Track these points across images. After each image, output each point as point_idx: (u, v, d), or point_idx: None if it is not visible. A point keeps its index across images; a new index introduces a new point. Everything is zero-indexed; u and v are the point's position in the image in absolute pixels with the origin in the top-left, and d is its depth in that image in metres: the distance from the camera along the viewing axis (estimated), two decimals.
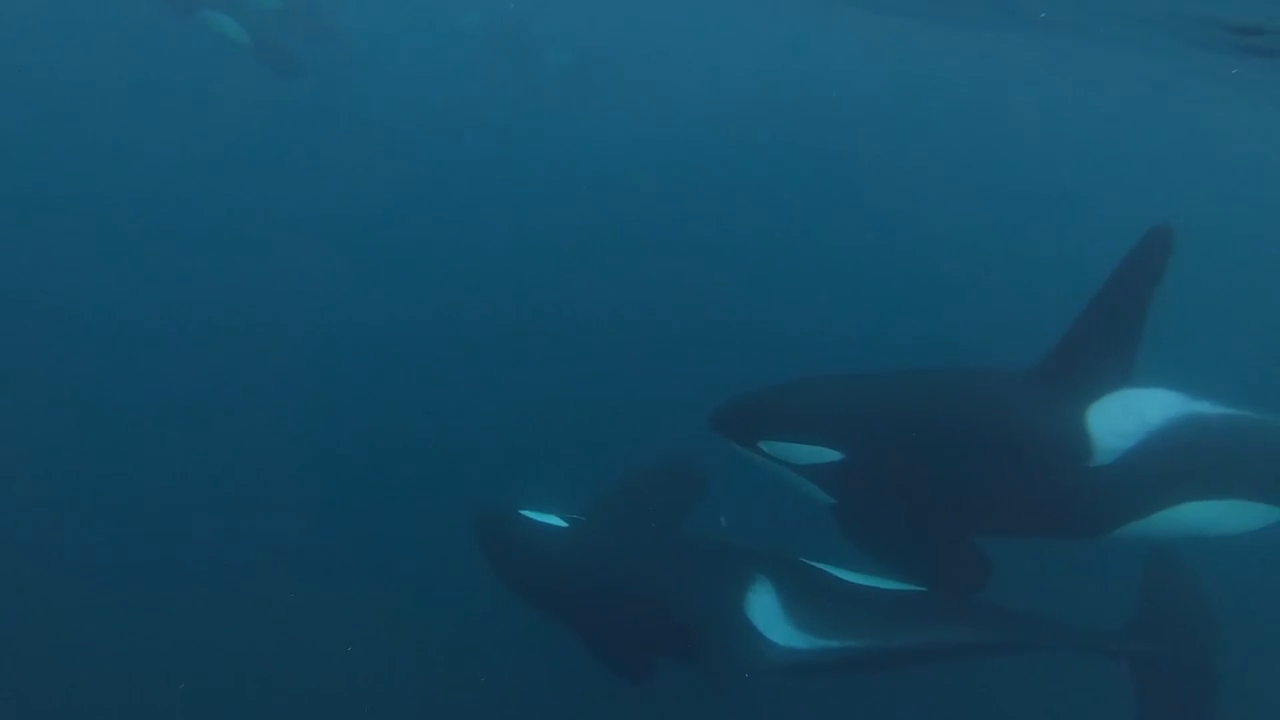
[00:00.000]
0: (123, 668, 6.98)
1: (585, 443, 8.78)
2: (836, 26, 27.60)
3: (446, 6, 24.74)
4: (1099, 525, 5.40)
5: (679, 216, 15.02)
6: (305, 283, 12.11)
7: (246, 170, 15.13)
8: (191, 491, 8.54)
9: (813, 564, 5.69)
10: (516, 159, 18.36)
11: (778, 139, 20.70)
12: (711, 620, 5.37)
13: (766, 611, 5.34)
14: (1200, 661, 5.58)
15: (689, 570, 5.67)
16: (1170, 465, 5.17)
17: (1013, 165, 21.95)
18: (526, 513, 5.94)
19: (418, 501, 8.19)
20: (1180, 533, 5.45)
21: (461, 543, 5.96)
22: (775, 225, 15.69)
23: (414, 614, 7.48)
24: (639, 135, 19.77)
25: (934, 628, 5.50)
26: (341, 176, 15.57)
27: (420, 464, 8.82)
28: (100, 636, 7.20)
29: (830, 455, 5.40)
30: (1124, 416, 5.16)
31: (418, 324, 11.39)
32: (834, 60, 31.71)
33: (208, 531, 8.05)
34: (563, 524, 5.91)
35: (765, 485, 5.89)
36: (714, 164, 18.80)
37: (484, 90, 22.08)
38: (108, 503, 8.40)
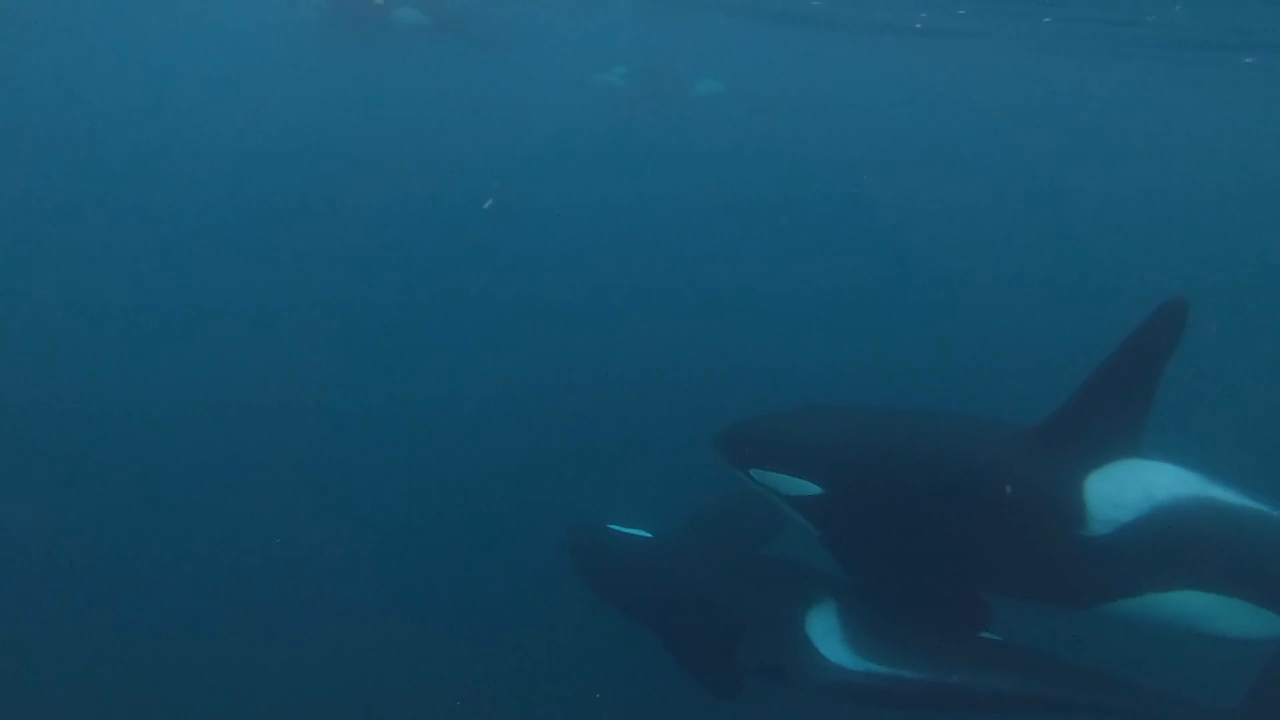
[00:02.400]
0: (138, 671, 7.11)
1: (667, 462, 8.55)
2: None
3: (590, 65, 25.63)
4: (1086, 598, 4.99)
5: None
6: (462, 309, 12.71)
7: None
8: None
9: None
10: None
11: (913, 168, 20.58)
12: (773, 632, 5.49)
13: (825, 630, 5.41)
14: None
15: (759, 584, 5.84)
16: (1170, 547, 4.73)
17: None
18: (614, 527, 6.48)
19: (508, 517, 8.40)
20: (1177, 622, 4.92)
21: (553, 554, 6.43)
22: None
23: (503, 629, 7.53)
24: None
25: (995, 673, 5.18)
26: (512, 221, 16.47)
27: (510, 481, 8.93)
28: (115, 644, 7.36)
29: (812, 489, 5.28)
30: (1127, 487, 4.77)
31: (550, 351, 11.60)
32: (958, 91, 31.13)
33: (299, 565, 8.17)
34: (647, 536, 6.41)
35: None
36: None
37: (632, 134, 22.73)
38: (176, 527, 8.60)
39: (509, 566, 7.91)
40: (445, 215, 16.63)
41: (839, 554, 5.43)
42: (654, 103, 24.46)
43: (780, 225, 17.07)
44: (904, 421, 5.44)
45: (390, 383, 10.90)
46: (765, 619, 5.56)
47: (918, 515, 5.10)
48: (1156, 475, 4.80)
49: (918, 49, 26.21)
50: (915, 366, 10.48)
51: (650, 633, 5.95)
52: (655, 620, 6.00)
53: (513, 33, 24.88)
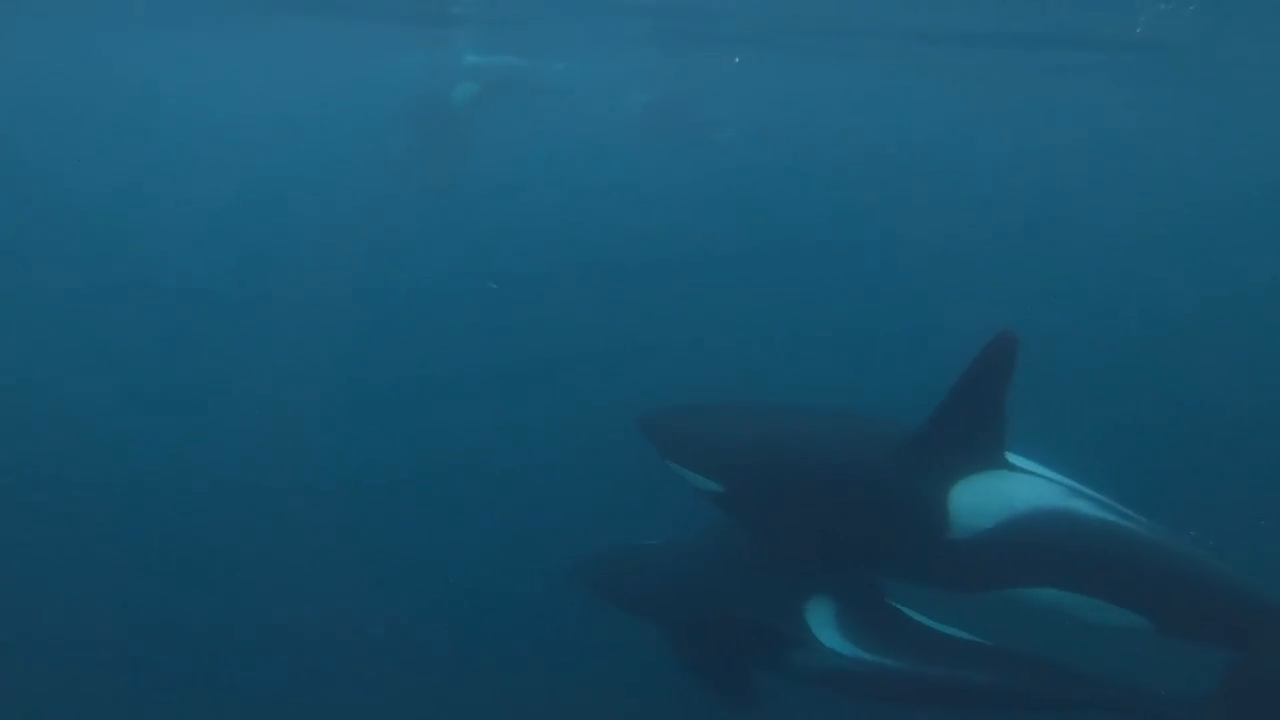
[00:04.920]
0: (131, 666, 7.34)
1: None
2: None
3: (607, 90, 26.11)
4: (958, 589, 5.51)
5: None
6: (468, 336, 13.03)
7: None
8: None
9: (883, 597, 5.91)
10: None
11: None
12: (774, 622, 5.77)
13: (824, 619, 5.71)
14: None
15: (762, 577, 6.04)
16: (1028, 552, 5.22)
17: None
18: (630, 541, 6.86)
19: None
20: (1044, 612, 5.41)
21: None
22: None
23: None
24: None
25: (984, 668, 5.51)
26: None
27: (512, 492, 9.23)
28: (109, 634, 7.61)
29: (715, 487, 5.72)
30: (989, 497, 5.23)
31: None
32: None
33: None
34: (653, 543, 6.75)
35: None
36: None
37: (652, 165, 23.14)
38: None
39: (509, 577, 8.13)
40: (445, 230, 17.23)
41: (750, 538, 5.94)
42: (671, 141, 24.85)
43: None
44: (799, 425, 5.91)
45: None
46: (767, 609, 5.83)
47: (806, 517, 5.59)
48: (1017, 486, 5.26)
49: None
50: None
51: (661, 634, 6.18)
52: (664, 618, 6.27)
53: None
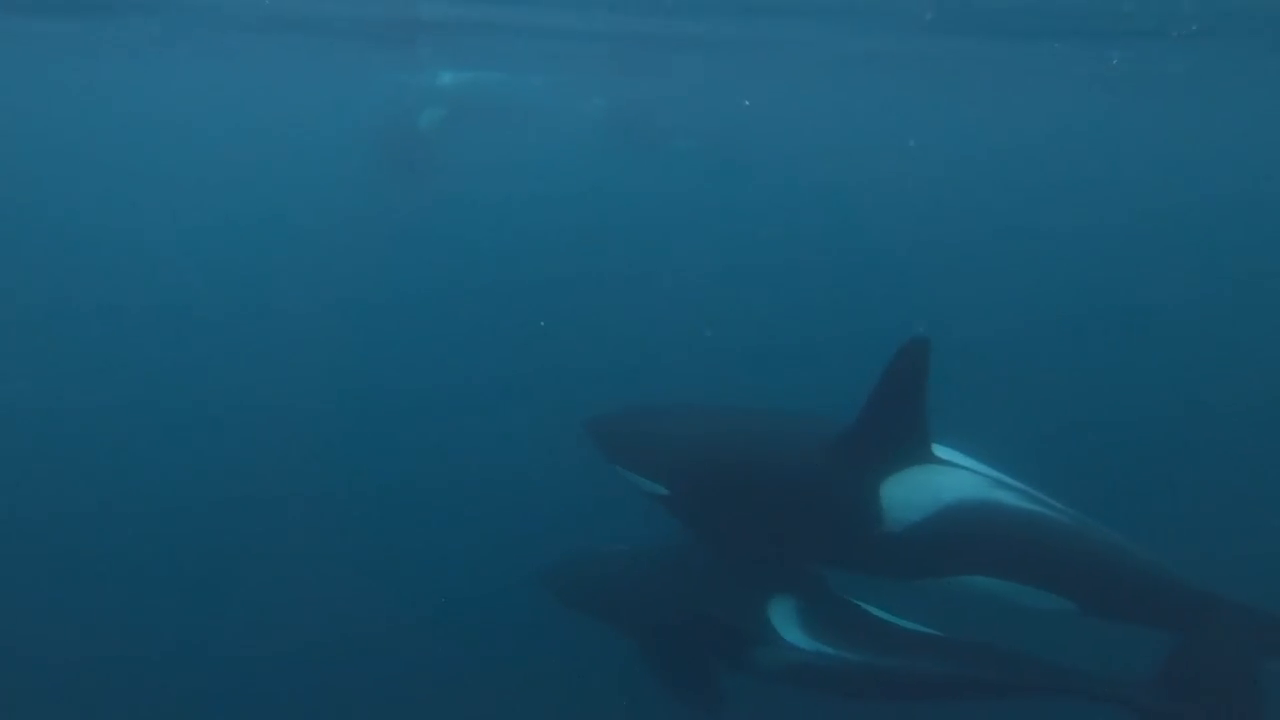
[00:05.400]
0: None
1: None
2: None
3: (566, 92, 26.20)
4: (896, 578, 5.79)
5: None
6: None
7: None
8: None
9: (844, 595, 6.12)
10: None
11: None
12: (739, 620, 5.99)
13: (786, 616, 5.92)
14: None
15: (727, 577, 6.25)
16: (957, 543, 5.49)
17: None
18: (596, 546, 6.99)
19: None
20: (978, 598, 5.67)
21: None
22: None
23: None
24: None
25: (943, 658, 5.74)
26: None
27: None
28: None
29: (660, 489, 6.02)
30: (918, 492, 5.48)
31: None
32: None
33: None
34: (621, 547, 6.89)
35: None
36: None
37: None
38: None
39: (481, 584, 8.28)
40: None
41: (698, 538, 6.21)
42: (632, 146, 24.95)
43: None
44: (738, 426, 6.17)
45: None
46: (732, 609, 6.06)
47: (746, 516, 5.84)
48: (943, 479, 5.52)
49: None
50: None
51: (628, 638, 6.41)
52: (631, 622, 6.47)
53: None
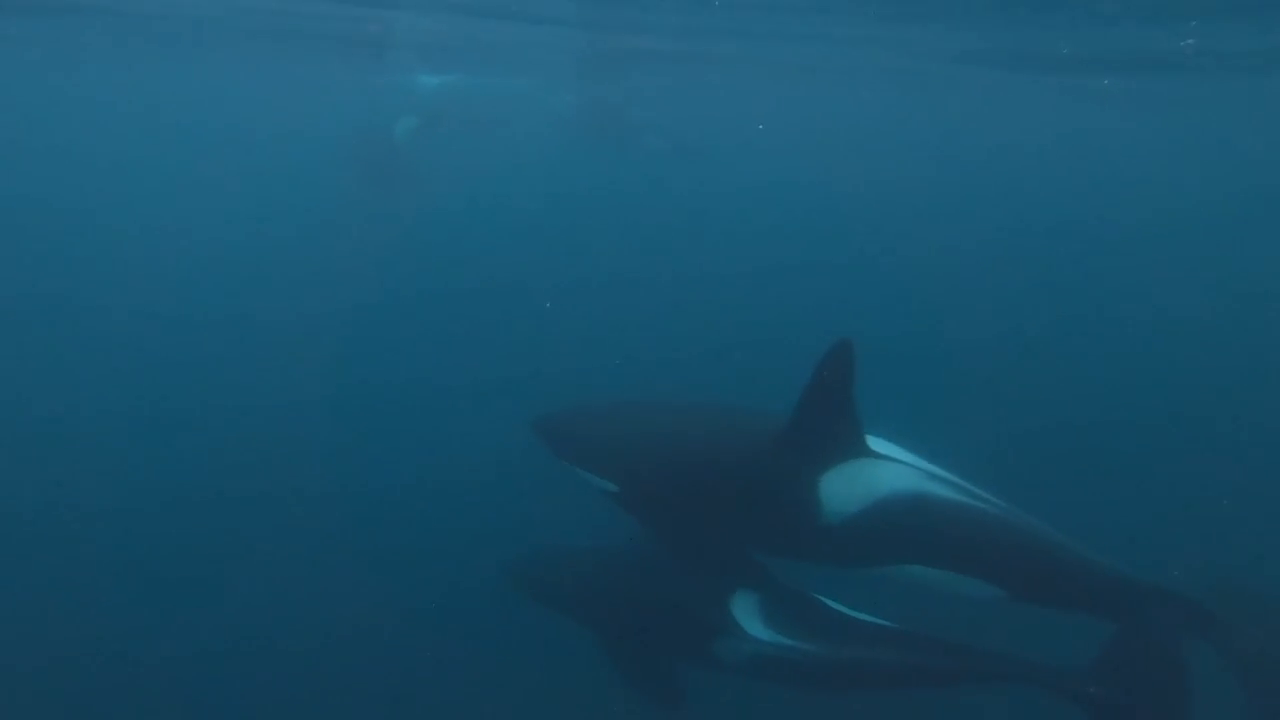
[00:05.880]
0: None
1: None
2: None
3: (538, 92, 26.27)
4: (838, 565, 6.02)
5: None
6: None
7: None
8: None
9: (804, 590, 6.33)
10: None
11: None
12: (702, 612, 6.21)
13: (748, 610, 6.12)
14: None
15: (691, 576, 6.42)
16: (891, 534, 5.72)
17: None
18: (562, 542, 7.11)
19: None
20: (915, 585, 5.91)
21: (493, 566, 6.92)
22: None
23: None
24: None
25: (898, 649, 6.01)
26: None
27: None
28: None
29: (610, 486, 6.20)
30: (853, 485, 5.70)
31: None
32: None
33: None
34: (591, 546, 6.99)
35: None
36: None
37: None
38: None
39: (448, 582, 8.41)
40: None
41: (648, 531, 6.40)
42: (601, 143, 25.07)
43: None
44: (683, 422, 6.37)
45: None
46: (694, 603, 6.27)
47: (692, 509, 6.09)
48: (878, 473, 5.75)
49: None
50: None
51: (593, 633, 6.56)
52: (595, 617, 6.65)
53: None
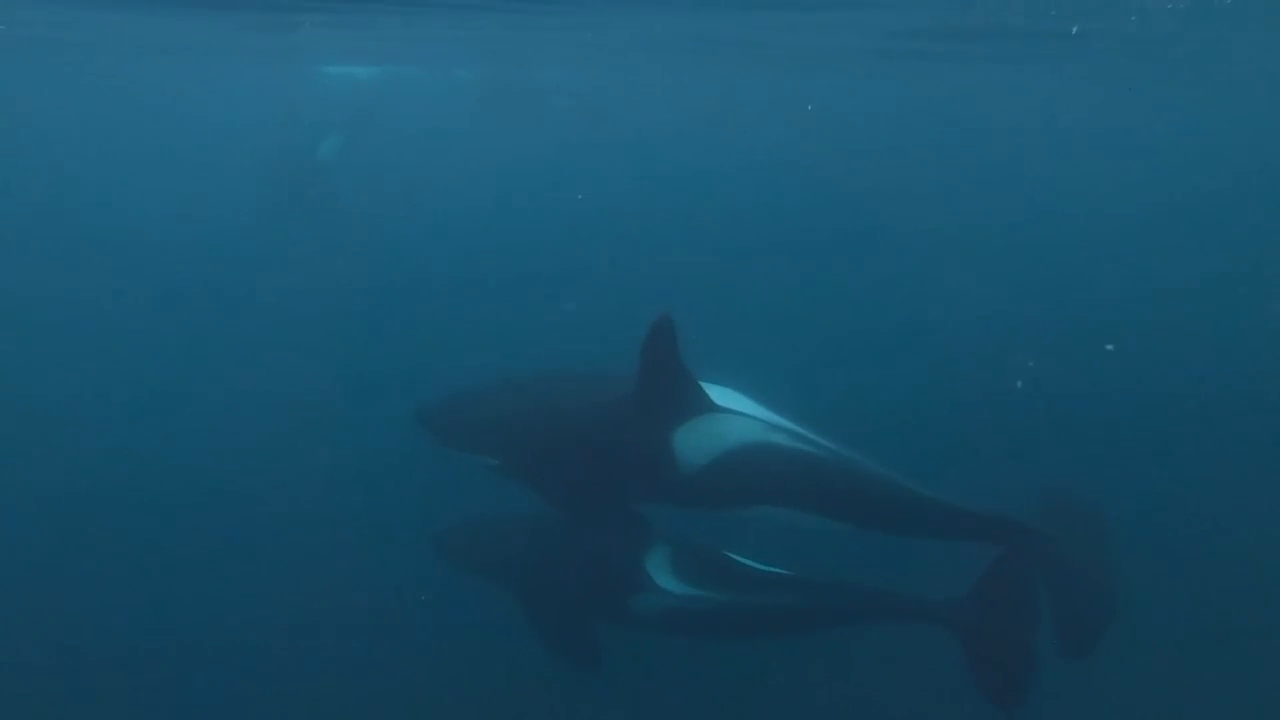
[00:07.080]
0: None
1: None
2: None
3: (433, 66, 25.91)
4: (702, 509, 6.64)
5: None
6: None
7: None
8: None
9: (711, 545, 6.88)
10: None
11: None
12: (618, 569, 6.74)
13: (660, 565, 6.68)
14: (1019, 640, 6.11)
15: (609, 536, 6.94)
16: (741, 480, 6.38)
17: None
18: (483, 515, 7.41)
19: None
20: (769, 522, 6.56)
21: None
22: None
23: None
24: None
25: (793, 593, 6.63)
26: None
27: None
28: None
29: (491, 461, 6.89)
30: (703, 439, 6.35)
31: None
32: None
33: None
34: (513, 516, 7.32)
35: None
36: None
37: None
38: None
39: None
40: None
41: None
42: (506, 108, 25.17)
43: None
44: (547, 395, 7.00)
45: None
46: (611, 562, 6.78)
47: (564, 471, 6.72)
48: (724, 426, 6.38)
49: None
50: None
51: (516, 599, 6.88)
52: (518, 582, 6.98)
53: None
